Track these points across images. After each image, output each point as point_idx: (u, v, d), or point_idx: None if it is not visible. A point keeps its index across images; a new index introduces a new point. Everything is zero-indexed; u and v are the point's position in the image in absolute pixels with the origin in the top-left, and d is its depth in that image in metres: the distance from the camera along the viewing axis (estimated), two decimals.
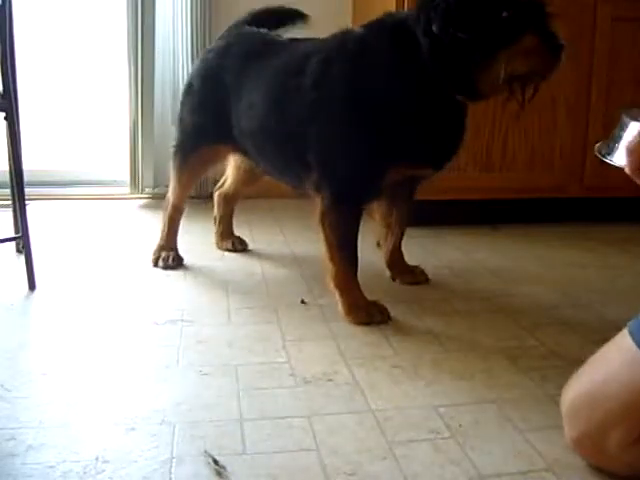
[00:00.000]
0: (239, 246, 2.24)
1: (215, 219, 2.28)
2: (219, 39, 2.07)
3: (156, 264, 2.05)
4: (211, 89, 1.95)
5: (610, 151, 1.02)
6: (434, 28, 1.49)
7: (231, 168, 2.21)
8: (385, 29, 1.64)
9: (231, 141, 1.93)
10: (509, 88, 1.57)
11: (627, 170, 0.96)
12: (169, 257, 2.05)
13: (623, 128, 1.00)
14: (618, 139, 1.00)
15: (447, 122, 1.65)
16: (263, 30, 1.99)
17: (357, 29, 1.70)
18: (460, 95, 1.60)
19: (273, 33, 1.98)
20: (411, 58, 1.57)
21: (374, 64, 1.62)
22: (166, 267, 2.03)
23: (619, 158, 0.99)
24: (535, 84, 1.57)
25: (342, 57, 1.65)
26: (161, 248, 2.08)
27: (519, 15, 1.48)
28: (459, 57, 1.51)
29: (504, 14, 1.47)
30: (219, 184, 2.29)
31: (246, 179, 2.21)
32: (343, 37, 1.69)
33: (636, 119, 1.00)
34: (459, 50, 1.50)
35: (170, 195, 2.10)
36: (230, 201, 2.26)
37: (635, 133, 0.94)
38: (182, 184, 2.07)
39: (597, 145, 1.06)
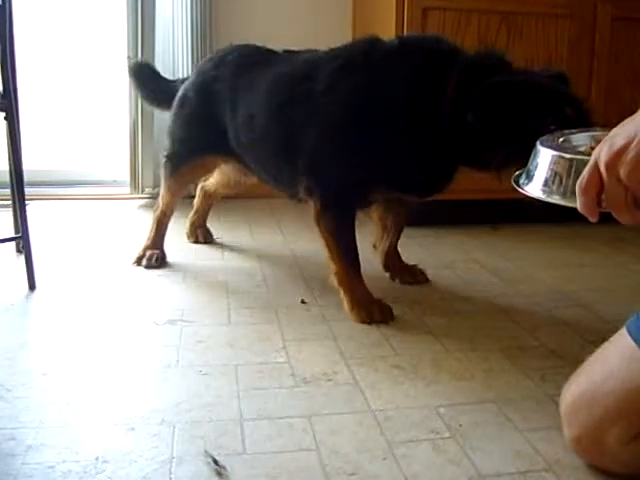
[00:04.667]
0: (205, 238, 2.32)
1: (193, 208, 2.34)
2: (216, 52, 2.08)
3: (139, 263, 2.05)
4: (207, 100, 1.94)
5: (526, 181, 0.97)
6: (468, 116, 1.47)
7: (218, 170, 2.22)
8: (418, 54, 1.60)
9: (224, 151, 1.94)
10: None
11: (581, 210, 0.86)
12: (153, 256, 2.05)
13: (536, 156, 0.97)
14: (533, 168, 0.96)
15: (441, 163, 1.64)
16: (260, 44, 1.98)
17: (390, 40, 1.67)
18: (459, 161, 1.62)
19: (269, 46, 1.96)
20: (431, 95, 1.55)
21: (390, 84, 1.59)
22: (149, 266, 2.03)
23: (533, 188, 0.95)
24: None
25: (363, 65, 1.63)
26: (146, 248, 2.09)
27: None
28: (475, 141, 1.51)
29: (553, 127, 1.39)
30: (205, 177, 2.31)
31: (227, 184, 2.24)
32: (370, 45, 1.67)
33: (549, 146, 0.95)
34: (479, 138, 1.49)
35: (160, 201, 2.12)
36: (209, 198, 2.32)
37: (585, 171, 0.84)
38: (171, 192, 2.09)
39: (514, 175, 1.02)
